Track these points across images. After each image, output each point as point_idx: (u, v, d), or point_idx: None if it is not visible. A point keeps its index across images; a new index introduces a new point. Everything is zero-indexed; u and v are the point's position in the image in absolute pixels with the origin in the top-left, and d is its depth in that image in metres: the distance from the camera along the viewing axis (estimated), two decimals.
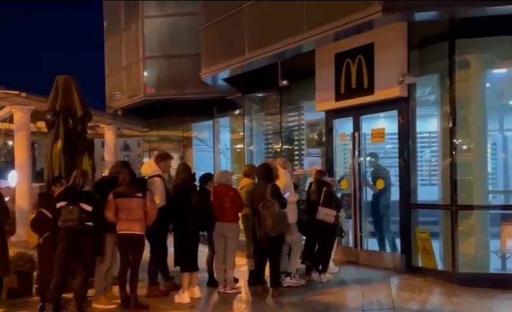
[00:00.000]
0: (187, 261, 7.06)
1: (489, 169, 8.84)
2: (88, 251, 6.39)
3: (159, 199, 7.16)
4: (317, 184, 8.24)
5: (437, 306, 6.80)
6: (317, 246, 8.28)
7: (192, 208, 6.98)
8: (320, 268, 8.09)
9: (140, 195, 6.67)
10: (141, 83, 15.44)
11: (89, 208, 6.33)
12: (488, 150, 8.74)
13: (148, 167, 7.63)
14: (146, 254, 7.11)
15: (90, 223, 6.32)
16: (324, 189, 8.06)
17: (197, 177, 7.71)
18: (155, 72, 15.36)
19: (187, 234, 7.05)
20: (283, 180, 7.69)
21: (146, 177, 7.40)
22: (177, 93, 14.80)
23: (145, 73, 15.33)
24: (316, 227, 8.04)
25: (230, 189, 7.56)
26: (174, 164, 8.33)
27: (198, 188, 7.40)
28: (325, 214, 7.95)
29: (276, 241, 7.16)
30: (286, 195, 7.46)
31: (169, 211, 7.21)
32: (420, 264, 8.21)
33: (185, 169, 7.51)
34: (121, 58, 17.09)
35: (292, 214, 7.63)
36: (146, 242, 6.96)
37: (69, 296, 6.61)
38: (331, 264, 8.40)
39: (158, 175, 7.40)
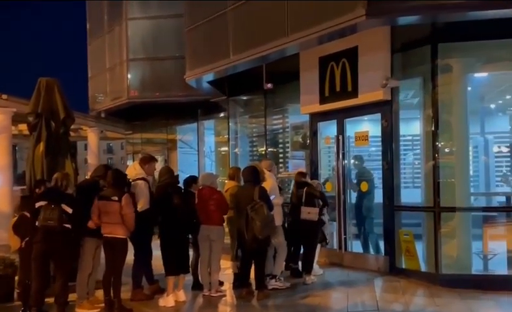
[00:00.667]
0: (171, 264, 7.02)
1: (471, 172, 8.93)
2: (63, 254, 6.31)
3: (143, 203, 7.12)
4: (297, 185, 8.28)
5: (420, 307, 6.85)
6: (302, 249, 8.32)
7: (176, 210, 6.95)
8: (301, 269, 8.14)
9: (116, 198, 6.56)
10: (125, 85, 15.35)
11: (69, 210, 6.27)
12: (470, 153, 8.84)
13: (132, 170, 7.58)
14: (130, 257, 7.06)
15: (68, 226, 6.26)
16: (305, 189, 8.10)
17: (182, 180, 7.69)
18: (139, 74, 15.27)
19: (171, 237, 7.01)
20: (269, 182, 7.70)
21: (130, 180, 7.35)
22: (161, 95, 14.74)
23: (129, 76, 15.24)
24: (300, 228, 8.08)
25: (215, 192, 7.54)
26: (158, 166, 8.28)
27: (183, 191, 7.37)
28: (307, 212, 7.98)
29: (262, 243, 7.16)
30: (272, 198, 7.47)
31: (153, 214, 7.17)
32: (404, 266, 8.27)
33: (168, 171, 7.48)
34: (104, 60, 16.96)
35: (277, 217, 7.64)
36: (130, 245, 6.90)
37: (52, 300, 6.52)
38: (316, 266, 8.42)
39: (143, 178, 7.36)
